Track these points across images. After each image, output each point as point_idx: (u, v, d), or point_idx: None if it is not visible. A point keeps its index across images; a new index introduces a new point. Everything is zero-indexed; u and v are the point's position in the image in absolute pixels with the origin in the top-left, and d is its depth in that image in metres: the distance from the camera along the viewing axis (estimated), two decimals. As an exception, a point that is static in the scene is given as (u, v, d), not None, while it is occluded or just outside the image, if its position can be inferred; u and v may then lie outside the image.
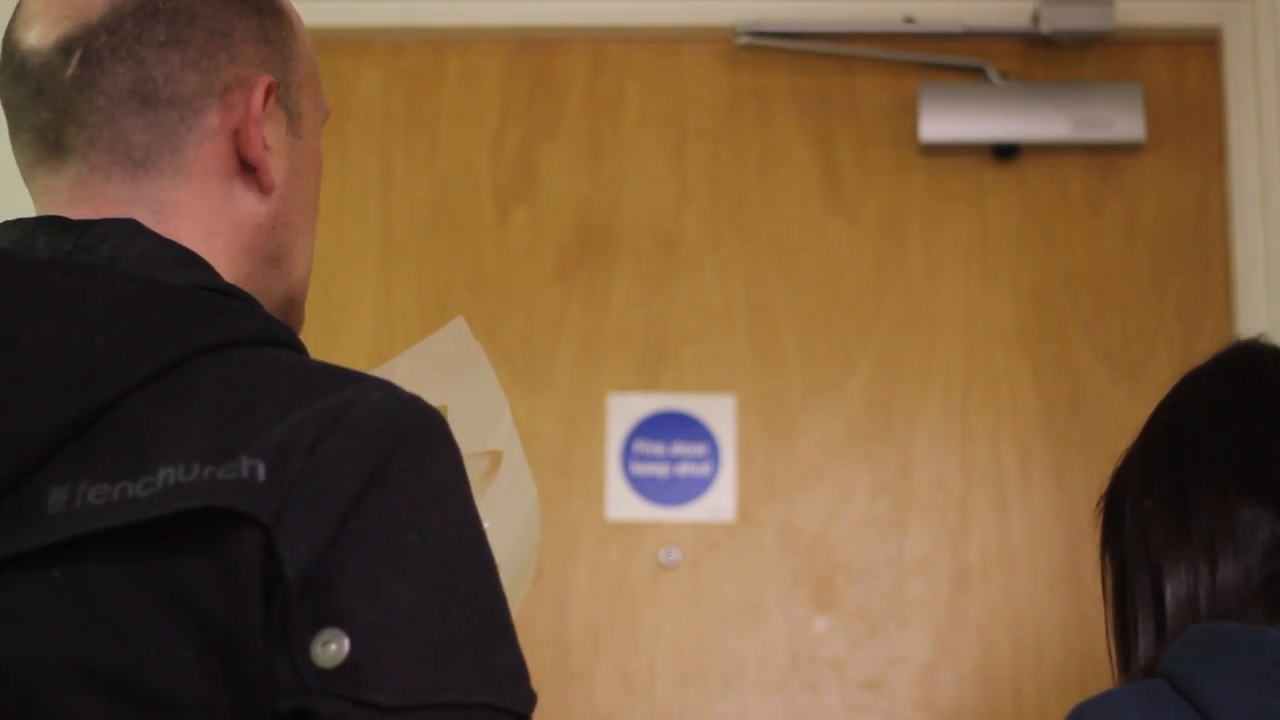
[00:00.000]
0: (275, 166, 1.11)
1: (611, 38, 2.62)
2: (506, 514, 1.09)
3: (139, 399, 0.94)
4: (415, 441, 0.94)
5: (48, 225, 1.04)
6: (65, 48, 1.07)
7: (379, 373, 0.97)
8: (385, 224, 2.59)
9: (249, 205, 1.10)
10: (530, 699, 0.94)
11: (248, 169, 1.10)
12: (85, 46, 1.06)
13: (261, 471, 0.90)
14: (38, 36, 1.07)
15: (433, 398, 0.95)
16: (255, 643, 0.89)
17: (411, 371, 1.09)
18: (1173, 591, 1.20)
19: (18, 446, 0.93)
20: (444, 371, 1.14)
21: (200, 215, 1.08)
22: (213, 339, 0.98)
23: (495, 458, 1.10)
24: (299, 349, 1.04)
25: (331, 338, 2.54)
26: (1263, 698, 1.06)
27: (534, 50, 2.62)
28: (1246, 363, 1.33)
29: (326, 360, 1.01)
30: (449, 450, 0.96)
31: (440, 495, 0.94)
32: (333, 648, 0.88)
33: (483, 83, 2.62)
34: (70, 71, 1.06)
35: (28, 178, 1.10)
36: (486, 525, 0.93)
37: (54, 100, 1.07)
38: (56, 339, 0.96)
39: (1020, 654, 2.45)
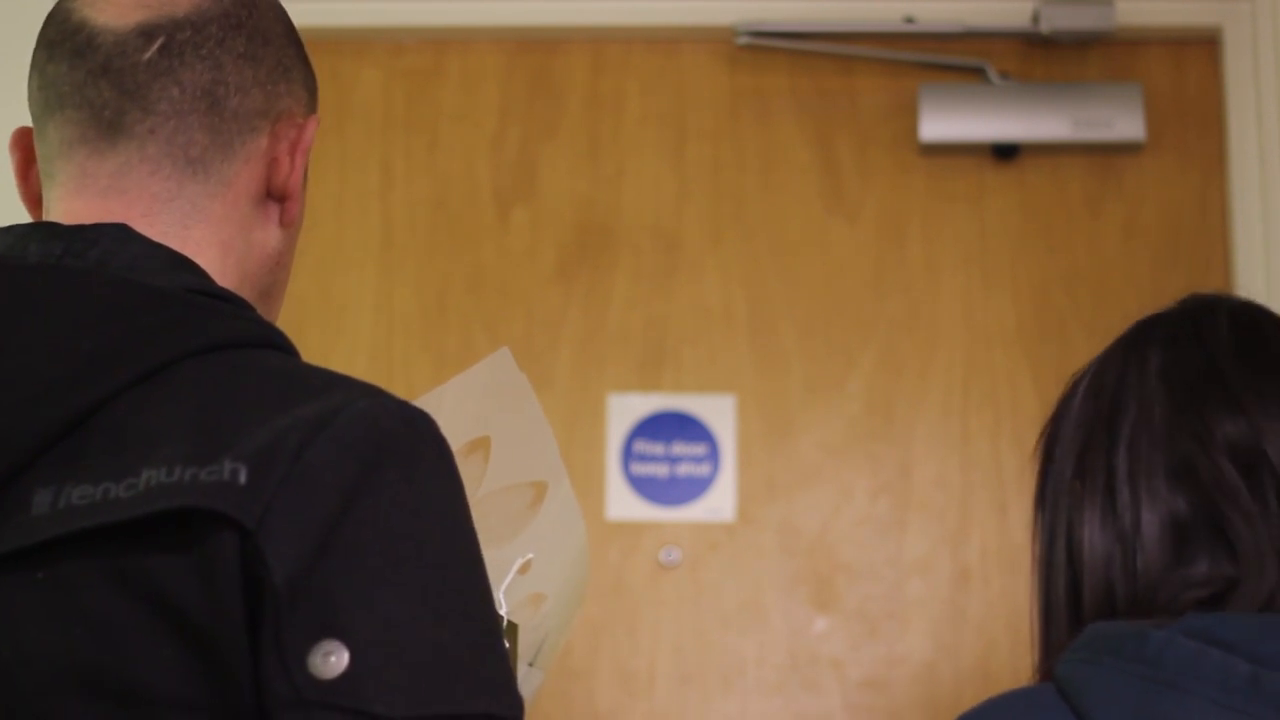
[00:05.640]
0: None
1: (611, 38, 2.61)
2: (554, 546, 1.08)
3: (124, 402, 0.95)
4: (403, 450, 0.94)
5: (40, 231, 1.05)
6: (147, 32, 1.07)
7: (423, 404, 0.97)
8: (385, 224, 2.58)
9: (265, 235, 1.12)
10: (520, 705, 0.95)
11: (273, 199, 1.12)
12: (169, 36, 1.07)
13: (243, 475, 0.91)
14: (113, 17, 1.08)
15: (477, 429, 0.95)
16: (237, 643, 0.89)
17: (457, 402, 1.09)
18: (1090, 584, 1.15)
19: (4, 449, 0.93)
20: (489, 402, 1.14)
21: (225, 231, 1.09)
22: (199, 342, 0.98)
23: (540, 488, 1.10)
24: (289, 351, 1.05)
25: (331, 338, 2.54)
26: (1143, 700, 1.02)
27: (534, 50, 2.61)
28: (1204, 321, 1.23)
29: (326, 361, 1.01)
30: (439, 456, 0.97)
31: (432, 503, 0.94)
32: (332, 659, 0.89)
33: (483, 83, 2.61)
34: (149, 55, 1.06)
35: (59, 155, 1.09)
36: (530, 555, 0.94)
37: (121, 80, 1.07)
38: (43, 342, 0.96)
39: (1020, 653, 2.45)
